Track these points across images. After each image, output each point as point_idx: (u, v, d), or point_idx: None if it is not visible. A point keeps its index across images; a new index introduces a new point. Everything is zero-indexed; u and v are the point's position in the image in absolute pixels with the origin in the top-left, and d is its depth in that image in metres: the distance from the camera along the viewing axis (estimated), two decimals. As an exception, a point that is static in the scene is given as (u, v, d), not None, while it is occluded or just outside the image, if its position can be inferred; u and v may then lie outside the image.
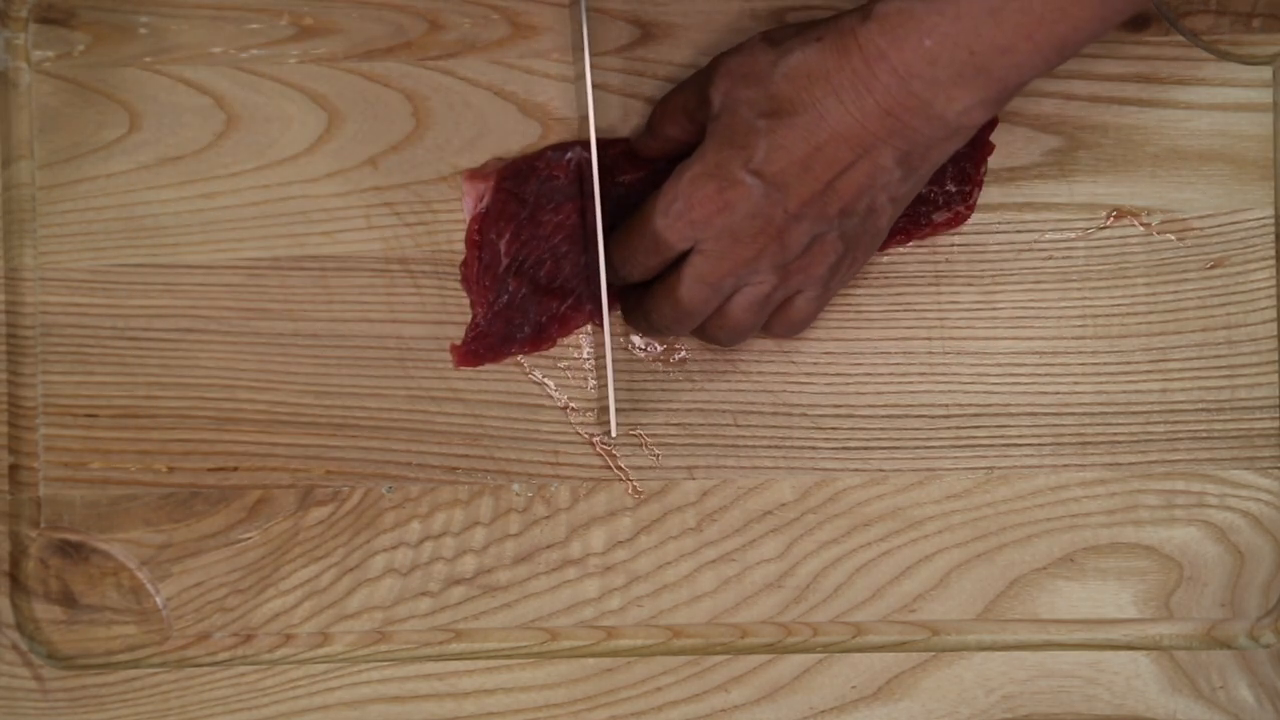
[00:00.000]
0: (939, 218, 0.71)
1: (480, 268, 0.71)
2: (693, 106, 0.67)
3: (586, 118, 0.68)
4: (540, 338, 0.71)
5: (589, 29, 0.68)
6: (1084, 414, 0.71)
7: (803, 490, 0.72)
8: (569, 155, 0.71)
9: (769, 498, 0.72)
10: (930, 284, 0.72)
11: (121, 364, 0.72)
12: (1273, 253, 0.71)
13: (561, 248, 0.71)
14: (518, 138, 0.72)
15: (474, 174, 0.71)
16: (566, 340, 0.72)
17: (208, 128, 0.72)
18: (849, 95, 0.62)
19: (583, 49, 0.68)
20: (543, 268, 0.71)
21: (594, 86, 0.71)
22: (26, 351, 0.72)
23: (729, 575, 0.72)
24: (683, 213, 0.64)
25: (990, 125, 0.70)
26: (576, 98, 0.70)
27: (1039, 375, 0.71)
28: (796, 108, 0.63)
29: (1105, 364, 0.71)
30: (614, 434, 0.68)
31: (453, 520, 0.72)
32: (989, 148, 0.71)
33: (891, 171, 0.63)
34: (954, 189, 0.70)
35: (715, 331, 0.68)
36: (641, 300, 0.68)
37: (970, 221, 0.71)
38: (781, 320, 0.68)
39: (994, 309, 0.72)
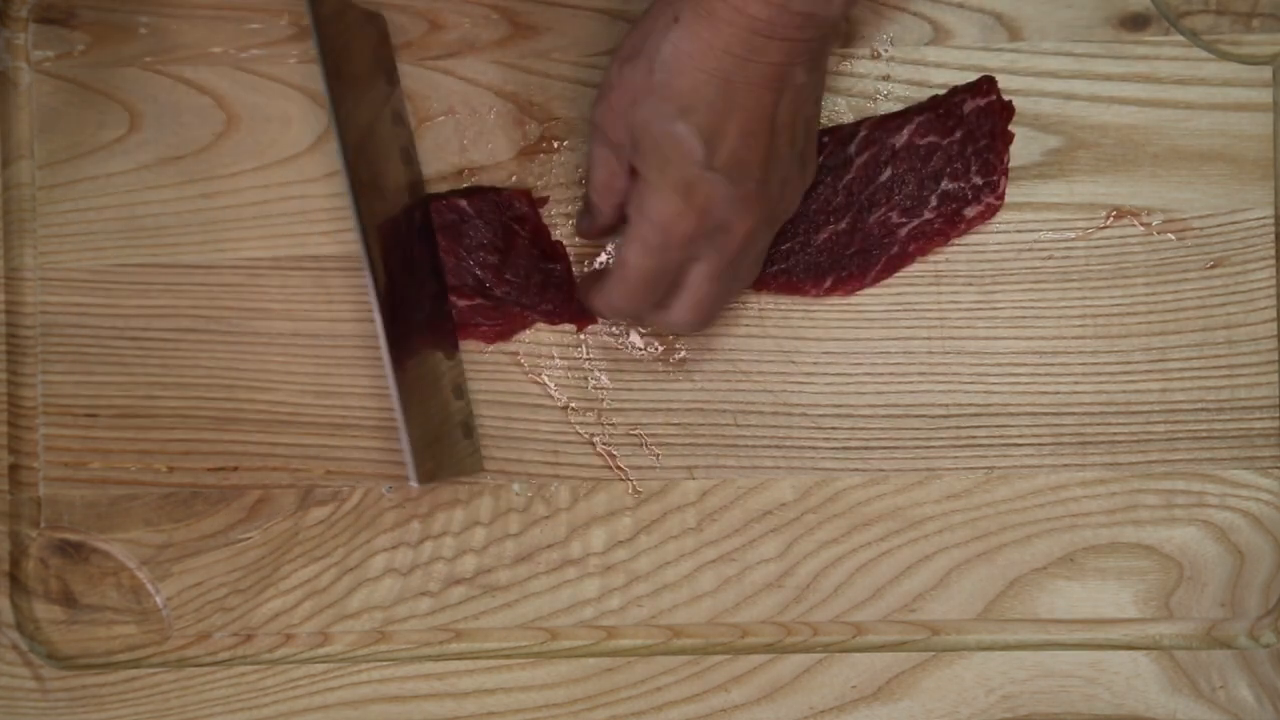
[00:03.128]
0: (971, 212, 0.71)
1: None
2: (614, 168, 0.66)
3: None
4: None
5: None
6: (1084, 414, 0.71)
7: (803, 490, 0.72)
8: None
9: (769, 498, 0.72)
10: (930, 284, 0.72)
11: (121, 364, 0.72)
12: (1273, 253, 0.71)
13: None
14: (517, 138, 0.72)
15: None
16: (567, 340, 0.72)
17: (208, 128, 0.72)
18: (741, 48, 0.61)
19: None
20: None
21: (594, 86, 0.71)
22: (26, 351, 0.72)
23: (729, 575, 0.72)
24: (663, 242, 0.63)
25: (1008, 114, 0.70)
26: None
27: (1039, 375, 0.71)
28: (701, 92, 0.61)
29: (1105, 364, 0.71)
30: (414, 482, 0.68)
31: (453, 520, 0.72)
32: (1009, 136, 0.71)
33: (808, 83, 0.63)
34: (980, 181, 0.70)
35: (730, 292, 0.68)
36: (658, 316, 0.67)
37: (970, 221, 0.72)
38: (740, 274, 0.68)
39: (994, 309, 0.72)
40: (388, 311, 0.66)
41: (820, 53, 0.63)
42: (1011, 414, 0.71)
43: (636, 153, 0.63)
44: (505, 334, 0.72)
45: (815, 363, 0.72)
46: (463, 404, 0.71)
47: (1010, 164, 0.71)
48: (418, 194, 0.71)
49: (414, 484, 0.67)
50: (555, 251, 0.71)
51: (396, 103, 0.71)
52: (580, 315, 0.72)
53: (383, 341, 0.66)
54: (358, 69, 0.69)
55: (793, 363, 0.72)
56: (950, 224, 0.71)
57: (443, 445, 0.69)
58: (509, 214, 0.71)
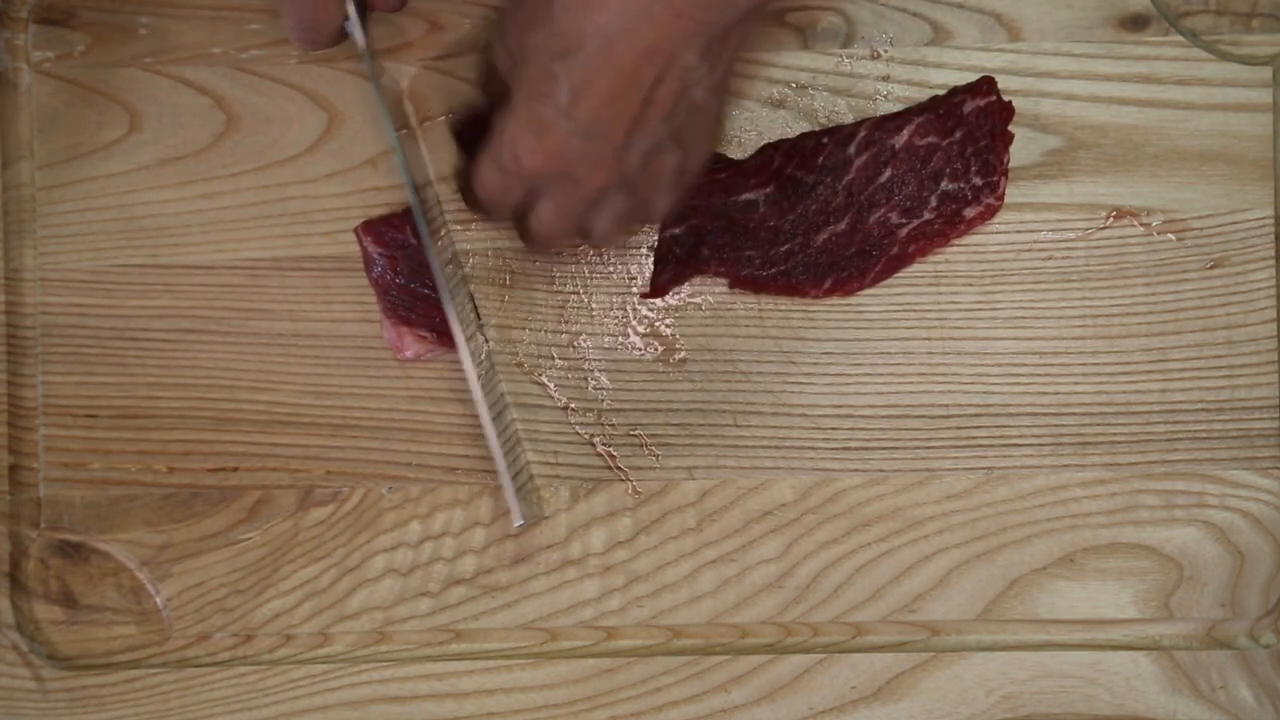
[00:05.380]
0: (970, 213, 0.71)
1: None
2: (495, 63, 0.66)
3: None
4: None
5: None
6: (1084, 414, 0.71)
7: (803, 490, 0.72)
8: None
9: (769, 498, 0.72)
10: (930, 284, 0.72)
11: (121, 364, 0.72)
12: (1273, 253, 0.71)
13: None
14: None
15: None
16: (567, 340, 0.72)
17: (208, 128, 0.72)
18: (633, 9, 0.60)
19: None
20: None
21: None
22: (26, 351, 0.72)
23: (729, 575, 0.72)
24: (512, 169, 0.64)
25: (1008, 114, 0.70)
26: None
27: (1039, 375, 0.71)
28: (585, 41, 0.61)
29: (1105, 364, 0.71)
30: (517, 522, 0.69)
31: (453, 520, 0.72)
32: (1008, 136, 0.71)
33: (698, 68, 0.62)
34: (980, 182, 0.70)
35: (588, 242, 0.68)
36: (516, 229, 0.68)
37: (970, 221, 0.72)
38: (644, 218, 0.68)
39: (994, 309, 0.72)
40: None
41: (721, 43, 0.62)
42: (1011, 414, 0.71)
43: (513, 72, 0.63)
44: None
45: (815, 363, 0.72)
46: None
47: (1010, 164, 0.71)
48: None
49: (518, 522, 0.68)
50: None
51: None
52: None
53: (478, 394, 0.68)
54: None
55: (793, 363, 0.72)
56: (950, 224, 0.71)
57: (527, 484, 0.71)
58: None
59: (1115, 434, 0.71)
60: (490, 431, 0.69)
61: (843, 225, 0.71)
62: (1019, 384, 0.71)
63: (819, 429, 0.72)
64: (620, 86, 0.61)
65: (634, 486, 0.72)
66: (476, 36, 0.72)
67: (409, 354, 0.71)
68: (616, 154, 0.63)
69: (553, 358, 0.72)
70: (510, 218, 0.67)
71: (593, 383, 0.72)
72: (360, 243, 0.71)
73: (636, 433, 0.72)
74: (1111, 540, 0.71)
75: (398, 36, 0.72)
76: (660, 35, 0.60)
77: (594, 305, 0.72)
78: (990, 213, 0.71)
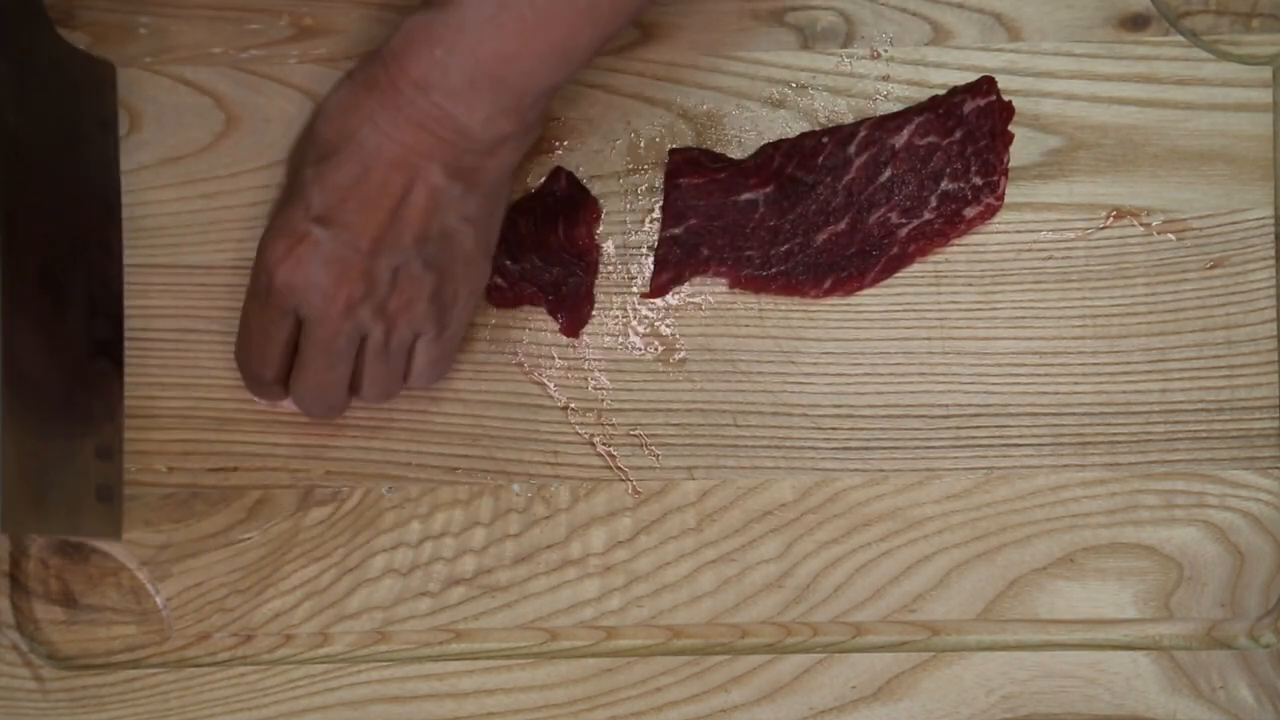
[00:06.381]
0: (970, 213, 0.71)
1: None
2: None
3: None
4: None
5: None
6: (1084, 414, 0.71)
7: (803, 490, 0.71)
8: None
9: (769, 498, 0.72)
10: (930, 284, 0.72)
11: (126, 374, 0.72)
12: (1272, 253, 0.71)
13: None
14: (518, 138, 0.72)
15: None
16: (567, 341, 0.72)
17: (208, 128, 0.72)
18: (382, 117, 0.62)
19: None
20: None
21: (597, 87, 0.71)
22: (26, 351, 0.72)
23: (729, 575, 0.72)
24: (268, 284, 0.64)
25: (1008, 114, 0.70)
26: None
27: (1039, 375, 0.71)
28: (338, 145, 0.62)
29: (1105, 364, 0.71)
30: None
31: (453, 520, 0.72)
32: (1008, 136, 0.71)
33: (449, 190, 0.63)
34: (980, 181, 0.70)
35: (365, 393, 0.67)
36: (294, 391, 0.68)
37: (970, 221, 0.72)
38: (412, 370, 0.68)
39: (994, 309, 0.71)
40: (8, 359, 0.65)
41: (475, 173, 0.63)
42: (1011, 414, 0.71)
43: (281, 190, 0.65)
44: (510, 302, 0.71)
45: (815, 363, 0.72)
46: (108, 466, 0.70)
47: (1010, 164, 0.71)
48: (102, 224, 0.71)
49: None
50: (587, 258, 0.71)
51: (107, 150, 0.71)
52: (571, 328, 0.71)
53: None
54: (47, 105, 0.68)
55: (793, 363, 0.72)
56: (950, 224, 0.71)
57: (59, 499, 0.68)
58: (571, 209, 0.71)
59: (1115, 434, 0.71)
60: None
61: (843, 225, 0.71)
62: (1019, 384, 0.71)
63: (819, 429, 0.72)
64: (368, 192, 0.62)
65: (634, 486, 0.72)
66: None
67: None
68: (364, 262, 0.63)
69: (553, 358, 0.72)
70: (281, 373, 0.66)
71: (593, 383, 0.72)
72: None
73: (636, 433, 0.72)
74: (1111, 540, 0.71)
75: (398, 36, 0.72)
76: (407, 146, 0.62)
77: (594, 305, 0.72)
78: (990, 213, 0.71)
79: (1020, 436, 0.71)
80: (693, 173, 0.71)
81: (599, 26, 0.61)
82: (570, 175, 0.71)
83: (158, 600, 0.72)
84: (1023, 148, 0.71)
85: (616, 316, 0.72)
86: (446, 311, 0.66)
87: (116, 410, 0.71)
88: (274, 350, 0.66)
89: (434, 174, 0.62)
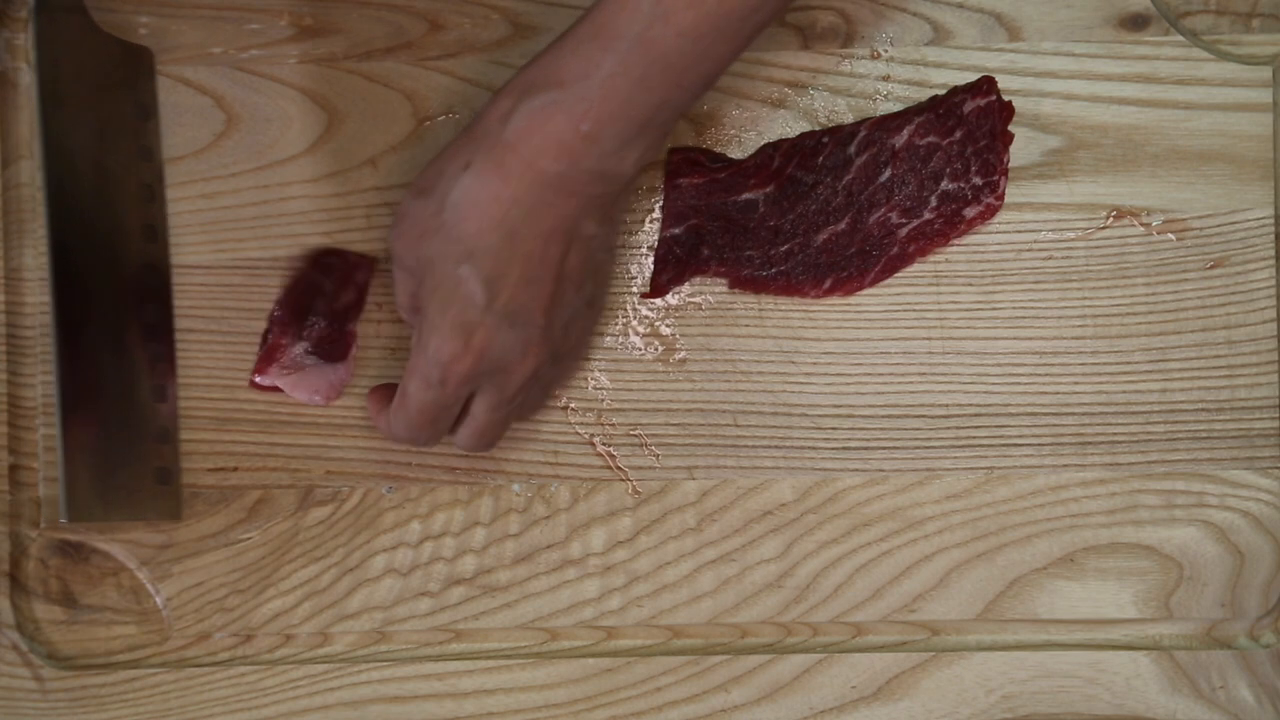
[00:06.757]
0: (971, 213, 0.71)
1: None
2: (407, 294, 0.65)
3: None
4: None
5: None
6: (1084, 414, 0.71)
7: (803, 490, 0.72)
8: None
9: (769, 498, 0.72)
10: (930, 284, 0.72)
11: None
12: (1273, 253, 0.71)
13: None
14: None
15: None
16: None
17: (208, 128, 0.72)
18: (528, 198, 0.61)
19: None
20: None
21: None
22: (26, 351, 0.72)
23: (729, 575, 0.72)
24: (443, 379, 0.64)
25: (1008, 114, 0.70)
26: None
27: (1039, 375, 0.71)
28: (486, 238, 0.62)
29: (1105, 364, 0.71)
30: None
31: (453, 520, 0.72)
32: (1008, 136, 0.71)
33: (596, 234, 0.64)
34: (980, 182, 0.70)
35: (520, 418, 0.69)
36: (454, 437, 0.68)
37: (970, 221, 0.72)
38: (568, 378, 0.71)
39: (994, 309, 0.71)
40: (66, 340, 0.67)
41: (613, 205, 0.64)
42: (1011, 414, 0.71)
43: (421, 287, 0.64)
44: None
45: (815, 363, 0.72)
46: (166, 449, 0.71)
47: (1010, 164, 0.71)
48: (152, 232, 0.71)
49: (63, 518, 0.67)
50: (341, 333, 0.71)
51: (148, 138, 0.71)
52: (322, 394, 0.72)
53: (56, 370, 0.67)
54: (86, 95, 0.69)
55: (793, 363, 0.72)
56: (950, 224, 0.71)
57: (121, 485, 0.69)
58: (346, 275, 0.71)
59: (1115, 434, 0.71)
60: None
61: (843, 225, 0.71)
62: (1019, 384, 0.71)
63: (819, 429, 0.72)
64: (534, 269, 0.62)
65: (634, 486, 0.72)
66: (476, 37, 0.72)
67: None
68: (544, 335, 0.64)
69: (553, 358, 0.72)
70: (447, 431, 0.67)
71: (593, 383, 0.72)
72: None
73: (636, 433, 0.72)
74: (1111, 540, 0.71)
75: (398, 36, 0.72)
76: (559, 216, 0.62)
77: (594, 305, 0.72)
78: (990, 213, 0.71)
79: (1020, 436, 0.71)
80: (693, 173, 0.71)
81: (740, 48, 0.61)
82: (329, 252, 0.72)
83: (158, 600, 0.72)
84: (1023, 148, 0.71)
85: (617, 316, 0.72)
86: (596, 319, 0.70)
87: (171, 392, 0.71)
88: (446, 425, 0.66)
89: (586, 227, 0.63)
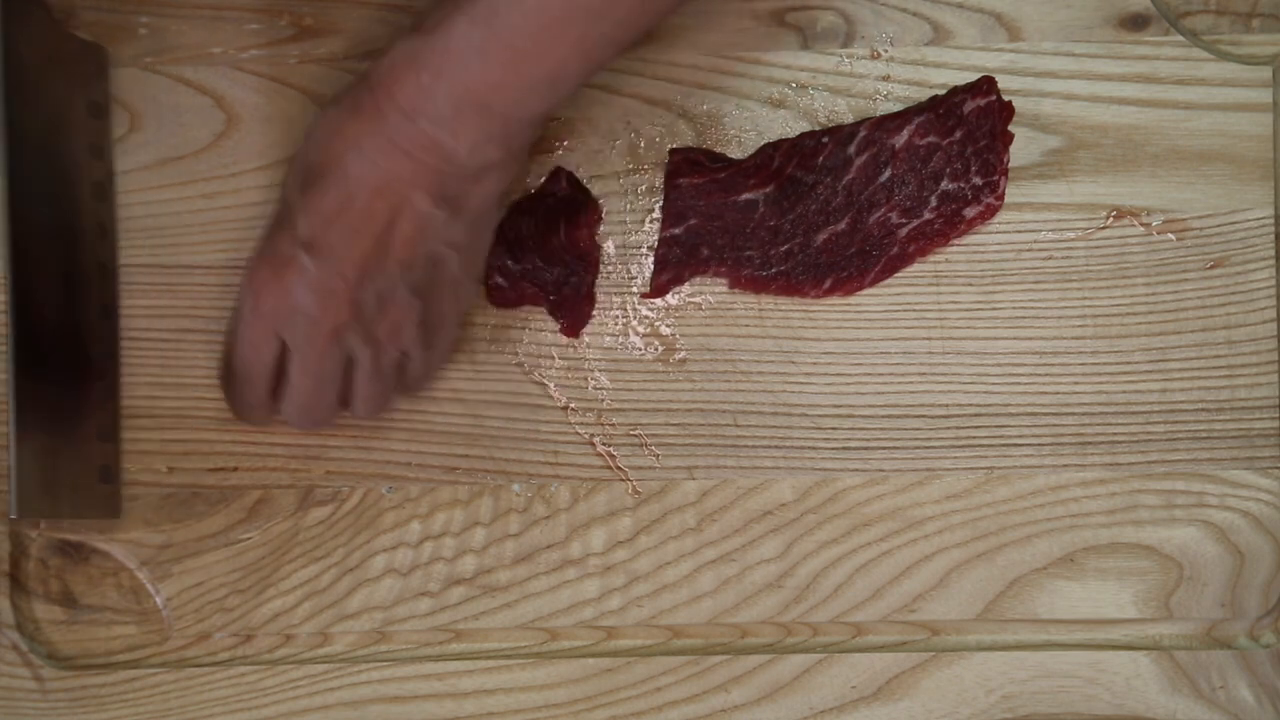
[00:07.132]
0: (970, 213, 0.71)
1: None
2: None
3: None
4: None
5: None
6: (1084, 414, 0.71)
7: (803, 490, 0.72)
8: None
9: (769, 498, 0.72)
10: (930, 284, 0.72)
11: (122, 364, 0.72)
12: (1273, 253, 0.71)
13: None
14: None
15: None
16: (567, 340, 0.72)
17: (208, 128, 0.72)
18: (368, 144, 0.62)
19: None
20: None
21: (597, 87, 0.71)
22: None
23: (729, 575, 0.72)
24: (254, 308, 0.64)
25: (1008, 114, 0.70)
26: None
27: (1039, 375, 0.71)
28: (324, 171, 0.62)
29: (1105, 364, 0.71)
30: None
31: (453, 520, 0.72)
32: (1008, 136, 0.71)
33: (434, 216, 0.63)
34: (980, 182, 0.70)
35: (356, 409, 0.68)
36: (284, 411, 0.68)
37: (970, 221, 0.72)
38: (403, 384, 0.68)
39: (994, 309, 0.72)
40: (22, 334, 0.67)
41: (457, 198, 0.63)
42: (1011, 414, 0.71)
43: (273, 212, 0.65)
44: (511, 302, 0.71)
45: (815, 363, 0.72)
46: (109, 448, 0.71)
47: (1010, 164, 0.71)
48: (103, 214, 0.71)
49: (12, 515, 0.66)
50: (588, 259, 0.71)
51: (99, 136, 0.71)
52: (572, 328, 0.71)
53: (10, 369, 0.67)
54: (45, 88, 0.69)
55: (793, 363, 0.72)
56: (950, 224, 0.71)
57: (66, 482, 0.69)
58: (572, 209, 0.71)
59: (1115, 434, 0.71)
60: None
61: (843, 225, 0.71)
62: (1019, 384, 0.71)
63: (819, 429, 0.72)
64: (353, 219, 0.62)
65: (634, 486, 0.72)
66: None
67: None
68: (349, 288, 0.63)
69: (553, 358, 0.72)
70: (267, 397, 0.67)
71: (593, 383, 0.72)
72: None
73: (636, 433, 0.72)
74: (1111, 540, 0.71)
75: (397, 36, 0.72)
76: (393, 173, 0.62)
77: (595, 305, 0.72)
78: (990, 213, 0.71)
79: (1020, 436, 0.71)
80: (693, 173, 0.71)
81: (588, 57, 0.61)
82: (571, 175, 0.71)
83: (158, 600, 0.72)
84: (1023, 148, 0.71)
85: (617, 316, 0.72)
86: (433, 333, 0.67)
87: (114, 390, 0.71)
88: (259, 374, 0.66)
89: (420, 200, 0.62)
